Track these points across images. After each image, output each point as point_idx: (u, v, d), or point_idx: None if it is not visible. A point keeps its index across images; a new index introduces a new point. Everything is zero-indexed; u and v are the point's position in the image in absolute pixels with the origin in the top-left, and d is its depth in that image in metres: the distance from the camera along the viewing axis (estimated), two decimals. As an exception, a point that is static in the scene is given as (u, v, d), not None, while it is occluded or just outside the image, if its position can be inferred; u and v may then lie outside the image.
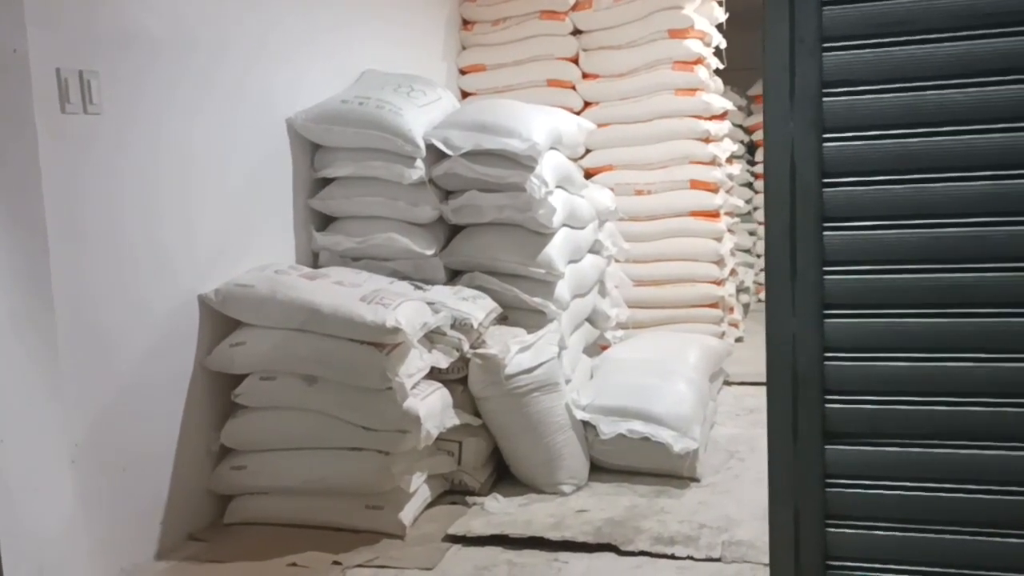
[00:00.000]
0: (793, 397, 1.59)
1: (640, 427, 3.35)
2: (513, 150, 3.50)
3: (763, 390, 4.30)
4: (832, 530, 1.61)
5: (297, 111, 3.58)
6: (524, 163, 3.56)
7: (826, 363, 1.58)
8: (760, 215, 7.53)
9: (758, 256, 7.57)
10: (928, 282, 1.53)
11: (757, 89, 7.61)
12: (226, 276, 3.15)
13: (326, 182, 3.72)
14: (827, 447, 1.59)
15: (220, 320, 3.11)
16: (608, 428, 3.36)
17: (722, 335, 5.09)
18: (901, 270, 1.53)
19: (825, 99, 1.53)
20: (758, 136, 7.55)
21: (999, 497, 1.53)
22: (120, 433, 2.75)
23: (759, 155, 7.53)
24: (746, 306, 6.74)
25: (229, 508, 3.11)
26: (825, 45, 1.53)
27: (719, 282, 5.14)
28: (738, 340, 5.64)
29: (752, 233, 7.48)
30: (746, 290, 6.85)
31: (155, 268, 2.89)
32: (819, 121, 1.53)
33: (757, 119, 7.51)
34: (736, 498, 3.14)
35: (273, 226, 3.51)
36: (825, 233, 1.55)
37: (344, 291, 3.10)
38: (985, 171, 1.47)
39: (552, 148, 3.77)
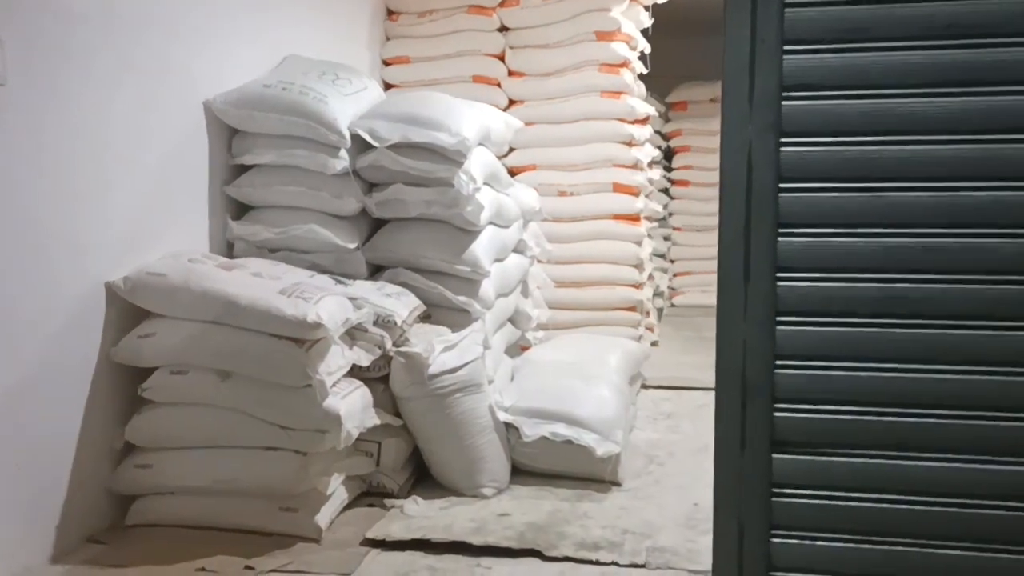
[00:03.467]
0: (742, 405, 1.56)
1: (563, 430, 3.31)
2: (442, 144, 3.42)
3: (680, 395, 4.35)
4: (777, 540, 1.59)
5: (216, 94, 3.42)
6: (452, 158, 3.48)
7: (776, 371, 1.56)
8: (676, 220, 7.63)
9: (672, 261, 7.67)
10: (881, 292, 1.52)
11: (676, 96, 7.71)
12: (136, 263, 2.97)
13: (244, 169, 3.57)
14: (774, 456, 1.57)
15: (128, 309, 2.94)
16: (531, 430, 3.31)
17: (639, 339, 5.11)
18: (855, 279, 1.52)
19: (784, 103, 1.51)
20: (676, 143, 7.64)
21: (946, 509, 1.54)
22: (14, 427, 2.56)
23: (676, 161, 7.61)
24: (660, 311, 6.81)
25: (132, 509, 2.94)
26: (786, 48, 1.50)
27: (638, 286, 5.16)
28: (654, 344, 5.67)
29: (667, 238, 7.56)
30: (660, 295, 6.92)
31: (59, 251, 2.71)
32: (777, 125, 1.51)
33: (675, 126, 7.60)
34: (657, 503, 3.13)
35: (187, 213, 3.35)
36: (780, 239, 1.53)
37: (262, 283, 2.97)
38: (943, 181, 1.47)
39: (480, 144, 3.70)
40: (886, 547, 1.55)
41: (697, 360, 5.50)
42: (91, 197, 2.81)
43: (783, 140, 1.51)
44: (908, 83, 1.47)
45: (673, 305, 7.46)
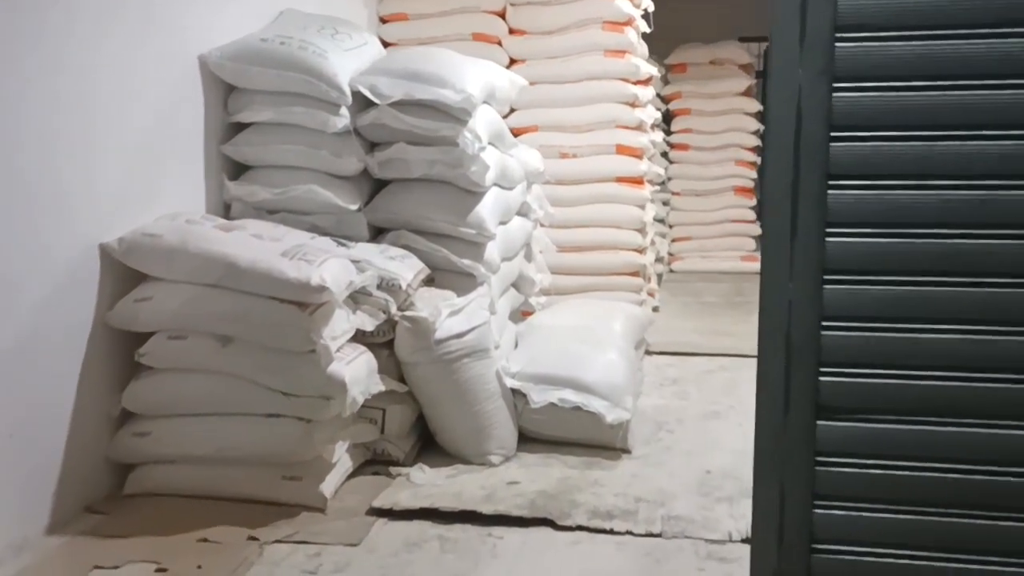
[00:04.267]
0: (786, 368, 1.47)
1: (572, 396, 3.22)
2: (446, 101, 3.30)
3: (684, 361, 4.27)
4: (820, 511, 1.51)
5: (211, 48, 3.28)
6: (457, 116, 3.36)
7: (823, 332, 1.47)
8: (675, 185, 7.52)
9: (670, 226, 7.58)
10: (936, 248, 1.42)
11: (675, 58, 7.57)
12: (131, 224, 2.86)
13: (241, 127, 3.44)
14: (819, 422, 1.48)
15: (124, 272, 2.82)
16: (539, 396, 3.23)
17: (641, 304, 5.02)
18: (909, 234, 1.43)
19: (838, 44, 1.40)
20: (675, 105, 7.52)
21: (994, 478, 1.45)
22: (8, 394, 2.46)
23: (675, 124, 7.49)
24: (659, 276, 6.72)
25: (130, 478, 2.85)
26: (840, -16, 1.39)
27: (641, 250, 5.06)
28: (655, 310, 5.59)
29: (666, 203, 7.46)
30: (660, 259, 6.83)
31: (52, 211, 2.59)
32: (830, 68, 1.40)
33: (674, 88, 7.47)
34: (669, 471, 3.06)
35: (182, 172, 3.22)
36: (830, 192, 1.43)
37: (263, 245, 2.86)
38: (1006, 129, 1.37)
39: (485, 102, 3.58)
40: (936, 518, 1.47)
41: (698, 325, 5.43)
42: (80, 156, 2.69)
43: (836, 85, 1.40)
44: (971, 22, 1.36)
45: (672, 271, 7.38)
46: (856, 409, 1.48)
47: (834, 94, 1.41)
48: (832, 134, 1.42)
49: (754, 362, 4.24)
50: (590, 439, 3.24)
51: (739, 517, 2.64)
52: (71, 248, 2.68)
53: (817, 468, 1.49)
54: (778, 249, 1.44)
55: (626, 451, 3.22)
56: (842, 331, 1.46)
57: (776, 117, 1.41)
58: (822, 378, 1.48)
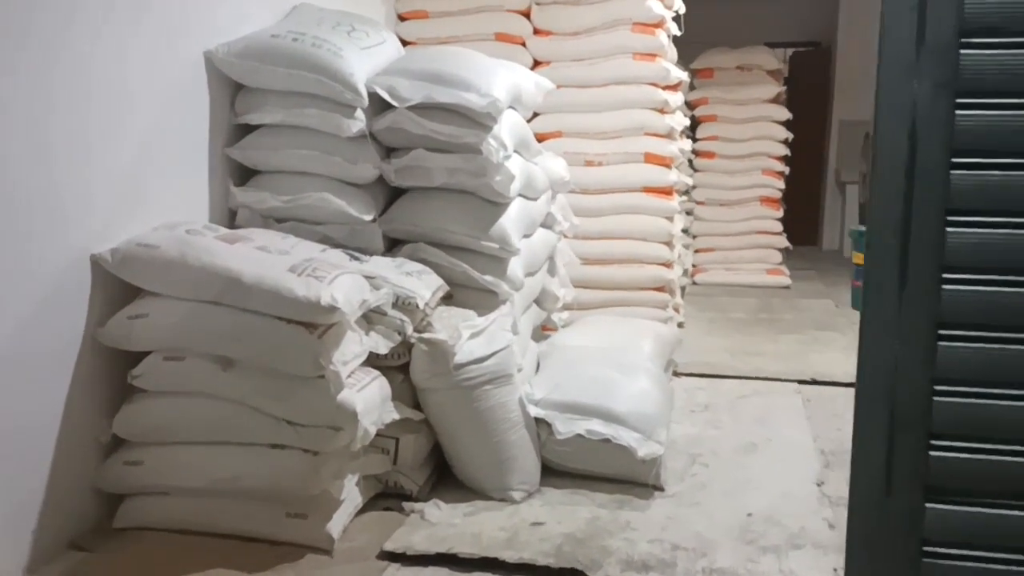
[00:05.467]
0: (889, 439, 1.23)
1: (600, 427, 2.98)
2: (470, 106, 3.06)
3: (715, 384, 4.00)
4: (925, 611, 1.25)
5: (218, 44, 3.05)
6: (481, 121, 3.12)
7: (935, 398, 1.22)
8: (698, 194, 7.27)
9: (694, 237, 7.33)
10: (1079, 301, 1.17)
11: (701, 62, 7.33)
12: (125, 233, 2.63)
13: (249, 129, 3.21)
14: (928, 506, 1.23)
15: (117, 286, 2.59)
16: (565, 427, 2.98)
17: (667, 321, 4.78)
18: (1045, 283, 1.18)
19: (963, 51, 1.16)
20: (701, 111, 7.27)
21: None
22: (-15, 421, 2.24)
23: (701, 131, 7.25)
24: (682, 289, 6.48)
25: (120, 510, 2.61)
26: (967, -21, 1.15)
27: (668, 264, 4.82)
28: (680, 326, 5.35)
29: (689, 213, 7.21)
30: (684, 272, 6.59)
31: (39, 218, 2.36)
32: (952, 81, 1.16)
33: (701, 94, 7.23)
34: (707, 512, 2.81)
35: (184, 177, 2.99)
36: (948, 230, 1.19)
37: (270, 259, 2.62)
38: None
39: (510, 107, 3.34)
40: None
41: (727, 344, 5.18)
42: (73, 159, 2.46)
43: (959, 101, 1.16)
44: None
45: (695, 283, 7.13)
46: (973, 491, 1.23)
47: (957, 112, 1.17)
48: (953, 160, 1.17)
49: (789, 387, 3.97)
50: (619, 474, 3.00)
51: (788, 573, 2.39)
52: (59, 259, 2.45)
53: (924, 560, 1.25)
54: (883, 298, 1.19)
55: (659, 488, 2.97)
56: (958, 397, 1.21)
57: (884, 138, 1.16)
58: (933, 452, 1.23)
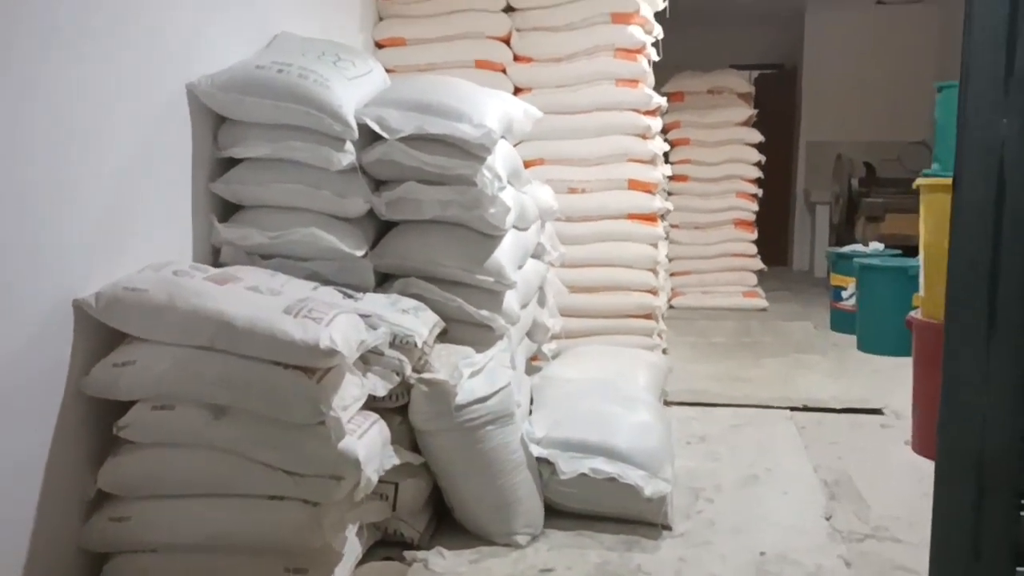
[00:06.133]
0: (977, 501, 1.14)
1: (604, 465, 2.89)
2: (464, 136, 2.97)
3: (707, 413, 3.94)
4: None
5: (201, 76, 2.93)
6: (475, 152, 3.03)
7: (1026, 455, 1.14)
8: (673, 217, 7.23)
9: (670, 260, 7.29)
10: None
11: (672, 86, 7.34)
12: (110, 275, 2.49)
13: (232, 163, 3.09)
14: (1020, 570, 1.15)
15: (102, 332, 2.45)
16: (568, 466, 2.88)
17: (654, 348, 4.72)
18: None
19: (1052, 87, 1.09)
20: (674, 135, 7.26)
21: None
22: (-37, 482, 2.08)
23: (674, 155, 7.23)
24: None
25: (106, 570, 2.46)
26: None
27: (654, 291, 4.76)
28: (664, 351, 5.29)
29: (665, 236, 7.17)
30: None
31: (17, 260, 2.21)
32: (1041, 119, 1.09)
33: (673, 117, 7.22)
34: (718, 553, 2.73)
35: (167, 214, 2.86)
36: (1039, 275, 1.11)
37: (262, 300, 2.51)
38: None
39: (503, 137, 3.26)
40: None
41: (712, 370, 5.13)
42: (51, 198, 2.32)
43: (1049, 140, 1.09)
44: None
45: (672, 307, 7.09)
46: (1067, 553, 1.16)
47: (1047, 151, 1.10)
48: (1044, 203, 1.10)
49: (781, 414, 3.91)
50: (625, 513, 2.91)
51: (814, 618, 2.31)
52: (40, 304, 2.31)
53: (1016, 631, 1.17)
54: (968, 347, 1.11)
55: (667, 527, 2.89)
56: (1051, 453, 1.14)
57: (969, 181, 1.09)
58: (1024, 513, 1.15)
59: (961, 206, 1.12)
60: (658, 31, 4.85)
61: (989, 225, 1.10)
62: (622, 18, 4.50)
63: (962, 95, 1.11)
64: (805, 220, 9.66)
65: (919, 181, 3.78)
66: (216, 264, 3.01)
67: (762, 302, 7.13)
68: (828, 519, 2.98)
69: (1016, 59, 1.08)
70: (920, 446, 3.63)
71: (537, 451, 2.91)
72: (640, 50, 4.58)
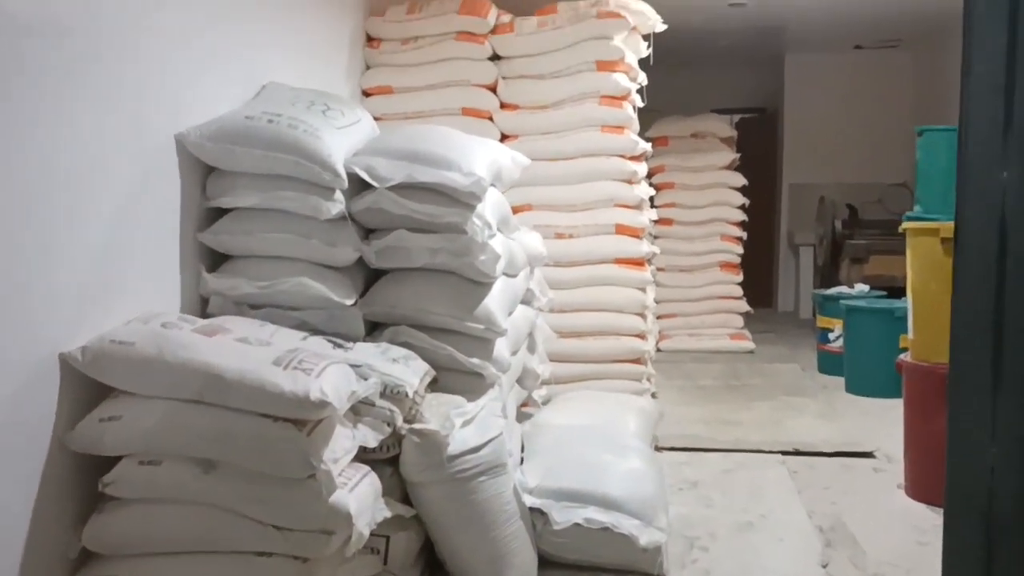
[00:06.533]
0: (987, 555, 1.12)
1: (598, 515, 2.86)
2: (453, 185, 2.98)
3: (698, 458, 3.92)
4: None
5: (189, 126, 2.93)
6: (464, 200, 3.03)
7: (1035, 507, 1.13)
8: (659, 260, 7.24)
9: (656, 303, 7.29)
10: None
11: (657, 131, 7.40)
12: (96, 328, 2.46)
13: (221, 213, 3.07)
14: (1032, 627, 1.13)
15: (88, 386, 2.41)
16: (562, 516, 2.85)
17: (643, 392, 4.70)
18: None
19: (1051, 139, 1.09)
20: (659, 179, 7.32)
21: None
22: (-55, 543, 2.03)
23: (659, 198, 7.27)
24: (649, 357, 6.42)
25: (90, 631, 2.40)
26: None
27: (642, 335, 4.76)
28: (653, 395, 5.27)
29: (652, 281, 7.18)
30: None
31: (2, 313, 2.18)
32: (1040, 170, 1.09)
33: (657, 161, 7.27)
34: (716, 603, 2.69)
35: (154, 264, 2.83)
36: (1042, 326, 1.11)
37: (252, 352, 2.47)
38: None
39: (492, 184, 3.26)
40: None
41: (702, 413, 5.11)
42: (37, 249, 2.29)
43: (1049, 191, 1.09)
44: None
45: (659, 350, 7.08)
46: (1080, 608, 1.14)
47: (1047, 202, 1.10)
48: (1044, 253, 1.10)
49: (772, 458, 3.89)
50: (620, 564, 2.87)
51: (817, 670, 2.28)
52: (27, 358, 2.27)
53: None
54: (974, 401, 1.10)
55: (662, 578, 2.85)
56: (1060, 506, 1.13)
57: (969, 231, 1.09)
58: (1034, 566, 1.14)
59: (963, 258, 1.12)
60: (642, 78, 4.90)
61: (992, 277, 1.10)
62: (607, 66, 4.55)
63: (961, 146, 1.11)
64: (789, 261, 9.72)
65: (905, 224, 3.81)
66: (205, 314, 2.98)
67: (749, 344, 7.14)
68: (824, 567, 2.95)
69: (1015, 110, 1.09)
70: (914, 491, 3.61)
71: (530, 501, 2.87)
72: (625, 97, 4.63)
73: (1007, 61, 1.08)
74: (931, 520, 3.34)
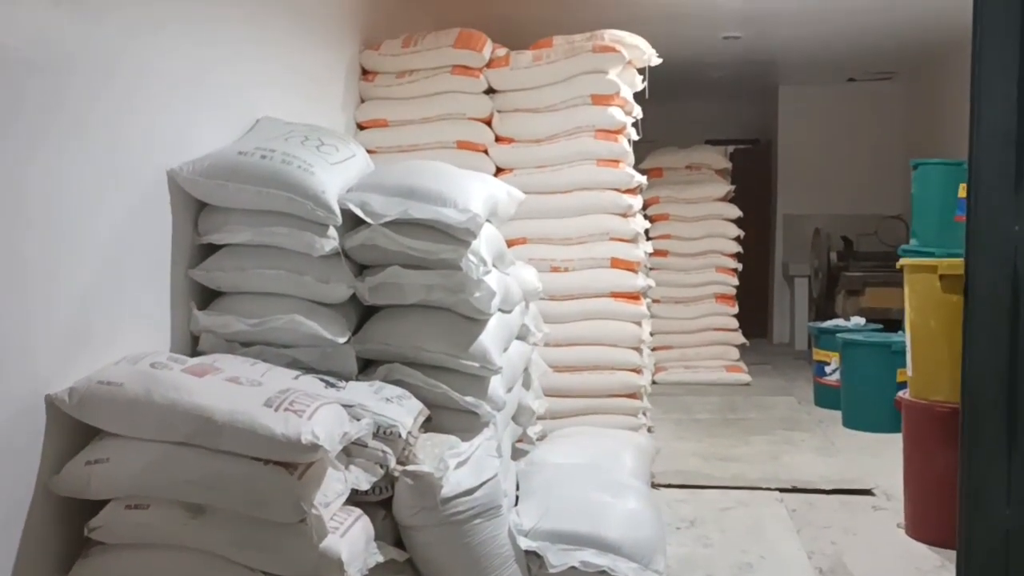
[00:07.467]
0: (1003, 621, 1.08)
1: (594, 558, 2.80)
2: (448, 221, 2.94)
3: (696, 495, 3.87)
4: None
5: (183, 162, 2.89)
6: (460, 237, 3.00)
7: (1052, 571, 1.09)
8: (655, 292, 7.22)
9: (652, 335, 7.26)
10: None
11: (651, 162, 7.41)
12: (84, 368, 2.41)
13: (212, 249, 3.04)
14: None
15: (74, 428, 2.36)
16: (557, 559, 2.80)
17: (639, 428, 4.65)
18: None
19: (1062, 192, 1.06)
20: (653, 211, 7.33)
21: None
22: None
23: (654, 230, 7.27)
24: (645, 390, 6.37)
25: None
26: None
27: (638, 370, 4.71)
28: (649, 430, 5.22)
29: (648, 315, 7.16)
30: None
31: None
32: (1052, 222, 1.06)
33: (652, 193, 7.28)
34: (717, 651, 2.63)
35: (144, 302, 2.79)
36: (1057, 384, 1.07)
37: (242, 392, 2.42)
38: None
39: (487, 220, 3.23)
40: None
41: (698, 448, 5.07)
42: (26, 285, 2.25)
43: (1061, 245, 1.06)
44: None
45: (655, 382, 7.02)
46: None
47: (1060, 256, 1.07)
48: (1058, 308, 1.07)
49: (771, 495, 3.85)
50: (617, 608, 2.81)
51: None
52: (10, 399, 2.22)
53: None
54: (988, 458, 1.07)
55: (660, 624, 2.79)
56: (1078, 570, 1.09)
57: (982, 288, 1.06)
58: (1052, 634, 1.10)
59: (975, 313, 1.08)
60: (637, 111, 4.90)
61: (1005, 335, 1.07)
62: (602, 100, 4.54)
63: (971, 200, 1.08)
64: (784, 293, 9.70)
65: (903, 261, 3.79)
66: (195, 352, 2.93)
67: (745, 376, 7.10)
68: (825, 610, 2.89)
69: (1025, 163, 1.06)
70: (914, 530, 3.56)
71: (525, 544, 2.82)
72: (621, 131, 4.62)
73: (1018, 111, 1.06)
74: (932, 561, 3.29)
